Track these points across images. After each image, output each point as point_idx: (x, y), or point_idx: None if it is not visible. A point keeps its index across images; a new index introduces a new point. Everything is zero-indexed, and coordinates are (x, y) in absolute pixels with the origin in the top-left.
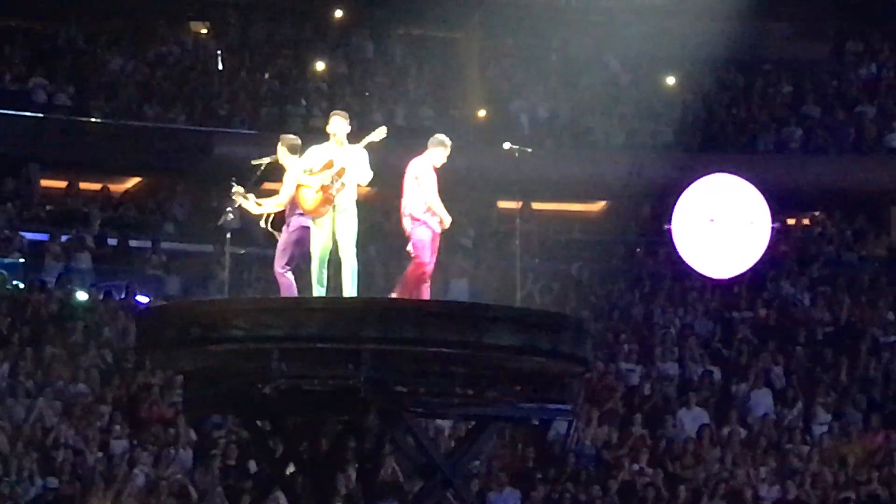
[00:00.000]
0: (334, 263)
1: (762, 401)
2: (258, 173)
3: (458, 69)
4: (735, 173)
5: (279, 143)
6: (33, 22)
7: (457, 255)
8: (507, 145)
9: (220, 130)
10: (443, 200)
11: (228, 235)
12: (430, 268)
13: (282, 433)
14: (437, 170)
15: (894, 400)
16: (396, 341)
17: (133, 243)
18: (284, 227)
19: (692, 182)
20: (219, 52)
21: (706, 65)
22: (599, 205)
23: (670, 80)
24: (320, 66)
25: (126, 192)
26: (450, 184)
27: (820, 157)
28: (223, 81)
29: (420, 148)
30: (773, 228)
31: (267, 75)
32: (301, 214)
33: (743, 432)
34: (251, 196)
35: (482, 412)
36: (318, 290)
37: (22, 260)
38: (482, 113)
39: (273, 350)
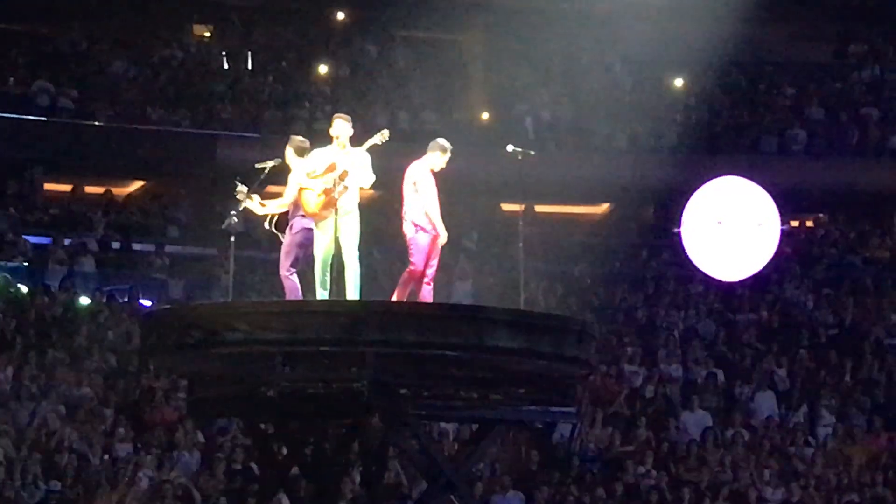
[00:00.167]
0: (338, 266)
1: (766, 403)
2: (262, 176)
3: (461, 72)
4: (738, 175)
5: (287, 145)
6: (36, 26)
7: (460, 258)
8: (510, 148)
9: (223, 134)
10: (446, 203)
11: (233, 239)
12: (431, 271)
13: (286, 436)
14: (436, 174)
15: None
16: (397, 344)
17: (136, 247)
18: (287, 230)
19: (696, 184)
20: (224, 52)
21: (709, 67)
22: (603, 207)
23: (673, 83)
24: (323, 69)
25: (129, 195)
26: (453, 186)
27: (823, 159)
28: (226, 84)
29: (423, 151)
30: (781, 230)
31: (270, 78)
32: (303, 217)
33: (747, 435)
34: (255, 196)
35: (486, 415)
36: (321, 293)
37: (25, 264)
38: (485, 116)
39: (275, 353)
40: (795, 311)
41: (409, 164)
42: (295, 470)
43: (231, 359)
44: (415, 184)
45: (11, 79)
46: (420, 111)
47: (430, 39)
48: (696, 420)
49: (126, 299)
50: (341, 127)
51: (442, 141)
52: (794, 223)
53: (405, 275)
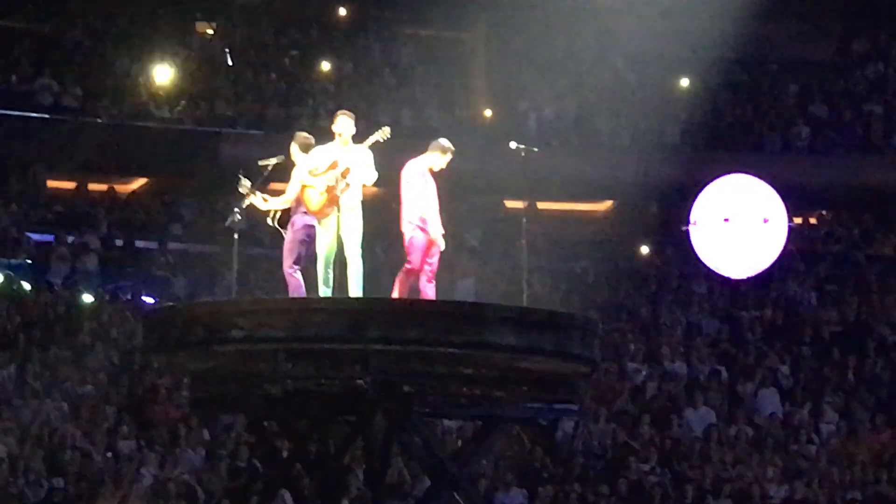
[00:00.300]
0: (340, 264)
1: (769, 400)
2: (265, 173)
3: (464, 69)
4: (742, 173)
5: (292, 142)
6: (39, 24)
7: (463, 255)
8: (513, 145)
9: (226, 131)
10: (449, 200)
11: (236, 236)
12: (429, 268)
13: (289, 434)
14: (435, 173)
15: None
16: (399, 342)
17: (140, 244)
18: (289, 227)
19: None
20: (227, 49)
21: (713, 64)
22: (606, 204)
23: (677, 80)
24: (327, 66)
25: (133, 193)
26: (456, 184)
27: (827, 156)
28: (229, 82)
29: (425, 149)
30: (788, 227)
31: (273, 76)
32: (305, 213)
33: (750, 432)
34: (258, 192)
35: (489, 412)
36: (324, 291)
37: (29, 261)
38: (489, 113)
39: (277, 351)
40: (799, 309)
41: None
42: (298, 467)
43: (233, 356)
44: (408, 183)
45: (14, 76)
46: (423, 108)
47: (434, 37)
48: (699, 417)
49: (129, 297)
50: (344, 124)
51: (443, 141)
52: (798, 220)
53: (402, 273)
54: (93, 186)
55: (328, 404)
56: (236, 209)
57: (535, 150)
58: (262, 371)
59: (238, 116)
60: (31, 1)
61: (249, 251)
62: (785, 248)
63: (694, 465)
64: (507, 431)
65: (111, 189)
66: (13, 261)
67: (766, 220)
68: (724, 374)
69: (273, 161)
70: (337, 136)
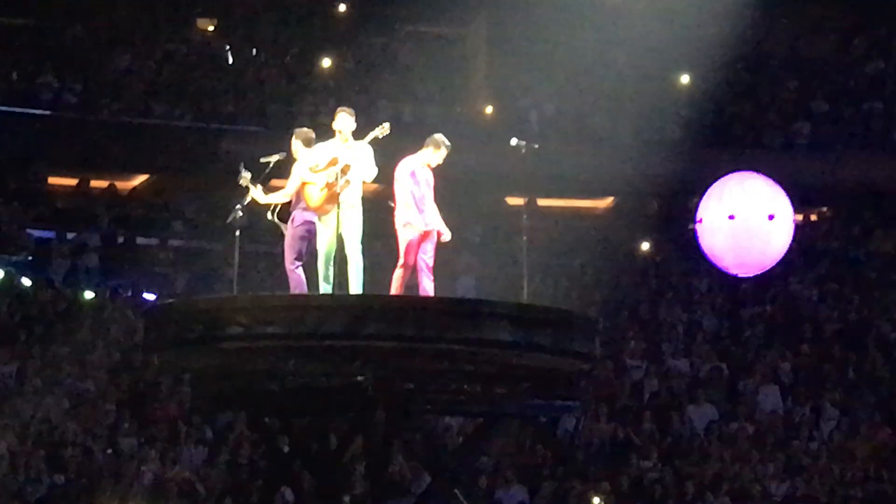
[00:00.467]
0: (341, 261)
1: (770, 397)
2: (267, 170)
3: (465, 66)
4: (742, 169)
5: (293, 138)
6: (40, 20)
7: (464, 252)
8: (514, 142)
9: (227, 128)
10: (450, 197)
11: (238, 233)
12: (424, 264)
13: (289, 431)
14: (434, 169)
15: None
16: (397, 338)
17: (141, 241)
18: (289, 223)
19: (700, 178)
20: (226, 45)
21: (714, 61)
22: (607, 201)
23: (678, 77)
24: (327, 63)
25: (133, 189)
26: (457, 181)
27: (827, 153)
28: (230, 78)
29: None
30: (794, 223)
31: (274, 72)
32: (304, 210)
33: (751, 429)
34: (258, 186)
35: (490, 409)
36: (325, 288)
37: (30, 258)
38: (489, 110)
39: (275, 347)
40: (800, 306)
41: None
42: (299, 464)
43: (233, 353)
44: (396, 180)
45: (15, 73)
46: (424, 105)
47: (434, 33)
48: (700, 414)
49: (130, 294)
50: (344, 121)
51: (438, 136)
52: (799, 217)
53: (396, 270)
54: (93, 183)
55: (329, 401)
56: (238, 206)
57: (536, 146)
58: (263, 368)
59: (239, 113)
60: None
61: (250, 247)
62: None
63: (694, 461)
64: (508, 428)
65: (112, 186)
66: (14, 257)
67: (771, 217)
68: (725, 370)
69: (275, 158)
70: (337, 133)
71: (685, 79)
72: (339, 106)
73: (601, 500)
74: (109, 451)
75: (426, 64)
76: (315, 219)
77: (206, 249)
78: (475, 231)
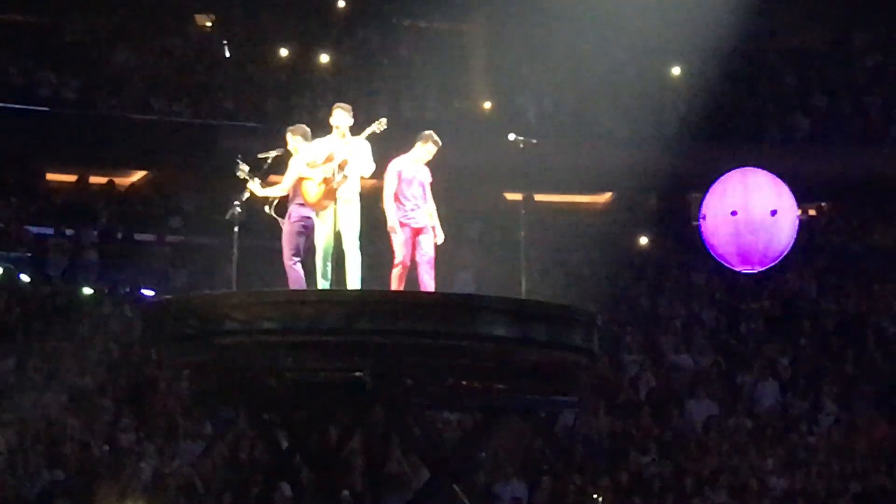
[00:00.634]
0: (338, 256)
1: (769, 392)
2: (265, 166)
3: (463, 61)
4: (741, 164)
5: (290, 135)
6: (38, 16)
7: (462, 247)
8: (512, 136)
9: (225, 123)
10: (448, 192)
11: (236, 229)
12: (425, 258)
13: (289, 426)
14: (429, 164)
15: None
16: (392, 333)
17: (139, 237)
18: (286, 218)
19: (698, 173)
20: (225, 41)
21: (712, 56)
22: (605, 196)
23: (676, 71)
24: (325, 59)
25: (132, 185)
26: (455, 176)
27: (826, 147)
28: (228, 74)
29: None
30: (798, 218)
31: (272, 68)
32: (301, 205)
33: (750, 423)
34: (256, 179)
35: (489, 404)
36: (322, 283)
37: (28, 254)
38: (488, 105)
39: (272, 343)
40: (798, 300)
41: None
42: (298, 459)
43: (231, 349)
44: (385, 181)
45: (13, 69)
46: (422, 100)
47: (433, 29)
48: (699, 409)
49: (128, 289)
50: (341, 116)
51: (426, 132)
52: (798, 211)
53: (393, 269)
54: (92, 179)
55: (327, 396)
56: (236, 202)
57: (534, 141)
58: (261, 363)
59: (237, 109)
60: None
61: (249, 243)
62: None
63: (693, 456)
64: (507, 423)
65: (110, 182)
66: (13, 253)
67: (774, 213)
68: (724, 365)
69: (273, 154)
70: (334, 129)
71: (684, 74)
72: (337, 101)
73: (601, 496)
74: (108, 446)
75: (424, 59)
76: (312, 214)
77: (205, 245)
78: (473, 226)
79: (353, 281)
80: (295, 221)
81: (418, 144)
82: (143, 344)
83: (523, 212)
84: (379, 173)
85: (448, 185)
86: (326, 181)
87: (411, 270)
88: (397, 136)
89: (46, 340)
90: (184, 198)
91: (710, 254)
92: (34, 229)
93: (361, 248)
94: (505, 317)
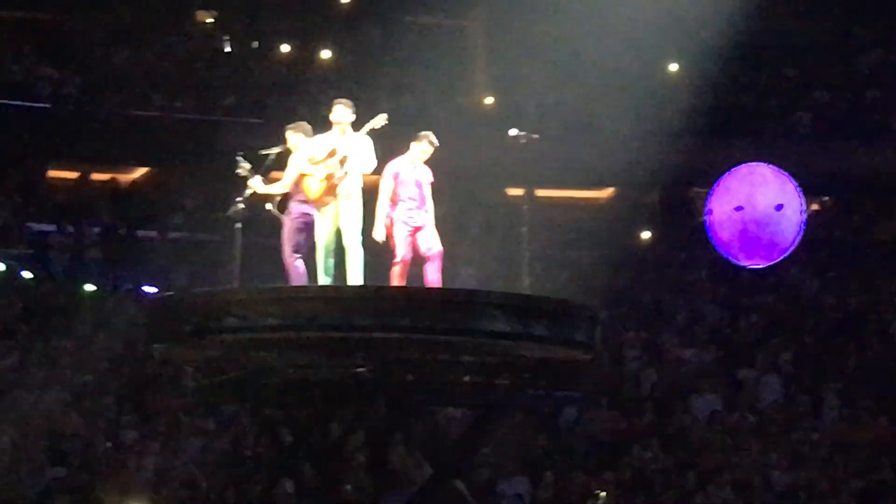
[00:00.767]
0: (340, 252)
1: (771, 387)
2: (267, 163)
3: (465, 57)
4: (742, 159)
5: (290, 132)
6: (39, 13)
7: (464, 243)
8: (513, 132)
9: (227, 120)
10: (450, 188)
11: (239, 225)
12: (429, 253)
13: (291, 422)
14: (428, 163)
15: None
16: (391, 329)
17: (141, 234)
18: (286, 215)
19: (700, 168)
20: (226, 37)
21: (713, 51)
22: (607, 192)
23: (677, 67)
24: (327, 55)
25: (133, 182)
26: (457, 172)
27: (828, 142)
28: (230, 70)
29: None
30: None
31: (273, 64)
32: (302, 202)
33: (752, 419)
34: (258, 176)
35: (491, 400)
36: (324, 280)
37: (30, 251)
38: (489, 101)
39: (273, 339)
40: (801, 295)
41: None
42: (300, 455)
43: (231, 346)
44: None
45: (14, 66)
46: (424, 96)
47: (434, 25)
48: (701, 404)
49: (130, 287)
50: (342, 112)
51: (422, 133)
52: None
53: (393, 267)
54: (93, 176)
55: (330, 393)
56: (238, 199)
57: (536, 137)
58: (262, 360)
59: (239, 105)
60: None
61: (252, 240)
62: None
63: (695, 452)
64: (510, 419)
65: (112, 179)
66: (14, 251)
67: (779, 208)
68: (726, 360)
69: (275, 150)
70: (335, 125)
71: (685, 69)
72: (338, 97)
73: (602, 493)
74: (110, 443)
75: (426, 55)
76: (313, 210)
77: (207, 242)
78: (475, 222)
79: (355, 277)
80: (296, 218)
81: (414, 145)
82: (146, 341)
83: (525, 207)
84: (380, 169)
85: (450, 181)
86: (328, 177)
87: (418, 267)
88: (398, 132)
89: (48, 338)
90: (185, 194)
91: (711, 249)
92: (35, 226)
93: (363, 244)
94: (505, 312)
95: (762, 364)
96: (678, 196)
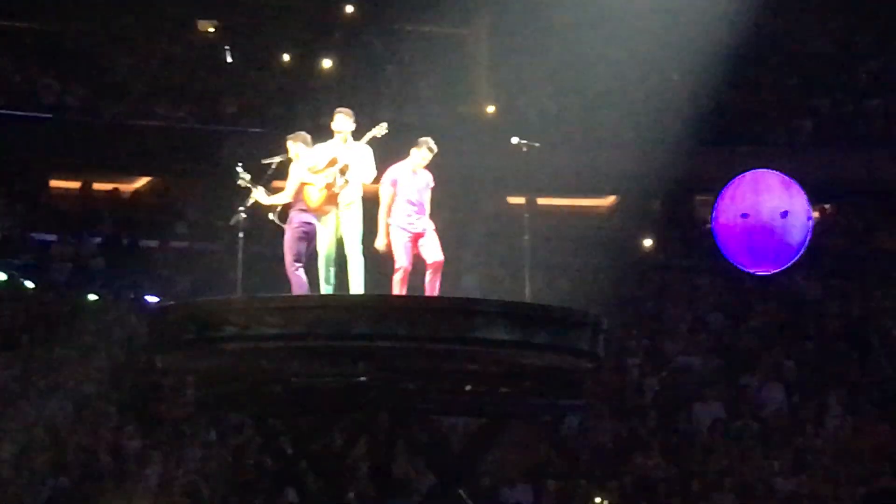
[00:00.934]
0: (341, 261)
1: (774, 394)
2: (269, 172)
3: (466, 66)
4: (745, 167)
5: (290, 142)
6: (41, 23)
7: (466, 252)
8: (515, 140)
9: (229, 129)
10: (452, 196)
11: (241, 234)
12: (431, 260)
13: (294, 431)
14: (428, 168)
15: None
16: (389, 338)
17: (143, 243)
18: (287, 224)
19: (701, 176)
20: (228, 47)
21: (715, 59)
22: (610, 200)
23: (679, 75)
24: (328, 64)
25: (136, 191)
26: (459, 180)
27: (829, 149)
28: (232, 80)
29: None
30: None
31: (275, 73)
32: (302, 210)
33: (755, 426)
34: (260, 188)
35: (494, 409)
36: (326, 288)
37: (32, 261)
38: (491, 109)
39: (273, 349)
40: (803, 302)
41: None
42: (303, 464)
43: (232, 355)
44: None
45: (17, 76)
46: (426, 105)
47: (436, 33)
48: (704, 412)
49: (133, 296)
50: (342, 121)
51: (422, 139)
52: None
53: (394, 275)
54: (96, 186)
55: (332, 401)
56: (241, 208)
57: (538, 145)
58: (263, 369)
59: (241, 115)
60: (33, 0)
61: (254, 249)
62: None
63: (699, 459)
64: (512, 427)
65: (114, 188)
66: (17, 261)
67: (784, 215)
68: (729, 368)
69: (277, 160)
70: (336, 134)
71: (687, 76)
72: (340, 106)
73: (604, 499)
74: (113, 453)
75: (427, 64)
76: (314, 219)
77: (210, 251)
78: (477, 230)
79: (356, 286)
80: (296, 227)
81: (414, 151)
82: (148, 350)
83: (527, 216)
84: (380, 179)
85: (452, 189)
86: (328, 186)
87: (419, 276)
88: (400, 140)
89: (51, 347)
90: (188, 204)
91: (714, 256)
92: (38, 236)
93: (364, 252)
94: (505, 321)
95: (765, 371)
96: (680, 204)
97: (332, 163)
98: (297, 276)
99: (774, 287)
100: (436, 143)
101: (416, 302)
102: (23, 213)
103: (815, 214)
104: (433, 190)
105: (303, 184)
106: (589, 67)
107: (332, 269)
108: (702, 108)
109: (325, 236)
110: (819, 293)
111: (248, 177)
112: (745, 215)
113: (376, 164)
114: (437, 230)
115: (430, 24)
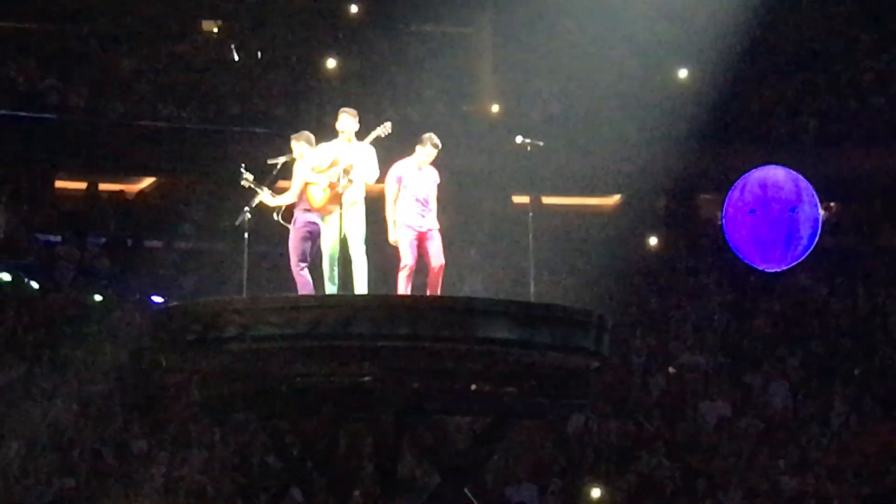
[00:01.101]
0: (345, 260)
1: (779, 393)
2: (274, 172)
3: (471, 65)
4: (749, 165)
5: (294, 142)
6: (46, 24)
7: (471, 251)
8: (519, 139)
9: (233, 129)
10: (457, 195)
11: (246, 235)
12: (434, 260)
13: (299, 431)
14: (434, 166)
15: None
16: (391, 338)
17: (148, 243)
18: (291, 224)
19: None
20: (232, 47)
21: (720, 57)
22: (614, 198)
23: (684, 73)
24: (333, 63)
25: (140, 192)
26: (463, 179)
27: (834, 147)
28: (236, 80)
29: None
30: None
31: (280, 73)
32: (307, 211)
33: (760, 424)
34: (265, 189)
35: (499, 408)
36: (330, 289)
37: (37, 262)
38: (495, 108)
39: (276, 349)
40: (808, 301)
41: None
42: (308, 464)
43: (236, 355)
44: (385, 185)
45: (21, 77)
46: (431, 104)
47: (441, 33)
48: (709, 410)
49: (138, 296)
50: (346, 121)
51: (426, 135)
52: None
53: (399, 272)
54: (101, 186)
55: (338, 401)
56: (246, 209)
57: (542, 144)
58: (267, 369)
59: (245, 115)
60: (36, 2)
61: (258, 249)
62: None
63: (704, 458)
64: (518, 426)
65: (119, 189)
66: (22, 261)
67: (793, 210)
68: (735, 366)
69: (282, 160)
70: (340, 134)
71: (691, 75)
72: (345, 106)
73: (601, 492)
74: (119, 453)
75: (432, 63)
76: (318, 219)
77: (214, 251)
78: (482, 229)
79: (360, 285)
80: (301, 227)
81: (418, 148)
82: (153, 351)
83: (531, 214)
84: (383, 178)
85: (456, 188)
86: (332, 186)
87: (422, 276)
88: (404, 140)
89: (56, 348)
90: (192, 204)
91: (719, 255)
92: (43, 237)
93: (367, 251)
94: (507, 320)
95: (770, 370)
96: (685, 202)
97: (336, 163)
98: (302, 275)
99: (780, 286)
100: (437, 137)
101: (419, 301)
102: (28, 214)
103: (822, 212)
104: (437, 188)
105: (307, 184)
106: (593, 66)
107: (337, 269)
108: (706, 106)
109: (329, 236)
110: (824, 291)
111: (251, 177)
112: (752, 211)
113: (380, 163)
114: (441, 229)
115: (434, 24)
